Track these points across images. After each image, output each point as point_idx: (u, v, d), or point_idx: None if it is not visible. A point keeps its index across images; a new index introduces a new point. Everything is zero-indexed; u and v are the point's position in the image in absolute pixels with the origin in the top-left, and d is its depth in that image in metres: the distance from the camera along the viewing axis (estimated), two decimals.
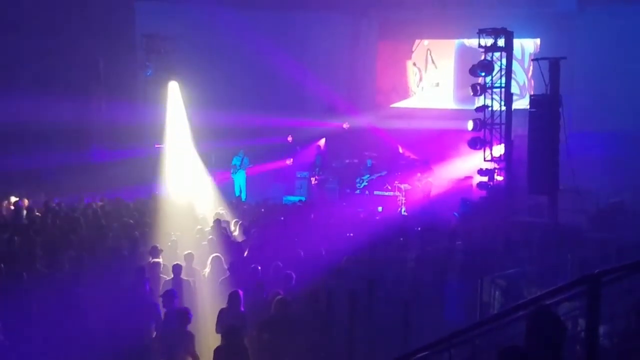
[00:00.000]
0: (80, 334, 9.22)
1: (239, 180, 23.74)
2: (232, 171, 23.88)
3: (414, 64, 26.76)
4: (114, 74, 23.79)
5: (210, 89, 23.94)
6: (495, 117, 18.66)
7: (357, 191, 23.16)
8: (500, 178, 18.51)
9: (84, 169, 22.88)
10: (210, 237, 13.43)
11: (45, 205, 16.86)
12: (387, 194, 22.65)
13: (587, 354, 4.68)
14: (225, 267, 11.42)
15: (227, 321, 9.24)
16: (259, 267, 10.86)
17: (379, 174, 23.17)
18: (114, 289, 10.08)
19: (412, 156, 24.22)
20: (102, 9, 22.55)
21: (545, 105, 16.31)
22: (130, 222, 14.54)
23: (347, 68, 26.31)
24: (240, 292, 9.56)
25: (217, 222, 14.77)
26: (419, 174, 22.04)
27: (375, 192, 22.83)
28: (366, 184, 23.22)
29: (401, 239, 13.95)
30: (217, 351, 8.64)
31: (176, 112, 24.77)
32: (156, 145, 24.30)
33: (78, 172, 22.08)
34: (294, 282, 10.24)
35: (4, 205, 17.23)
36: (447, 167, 22.61)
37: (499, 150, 18.71)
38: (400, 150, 24.23)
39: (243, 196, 23.21)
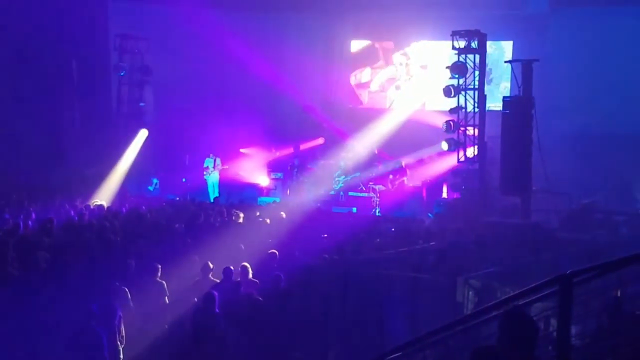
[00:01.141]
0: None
1: (213, 181, 23.67)
2: (204, 173, 23.81)
3: (389, 65, 26.79)
4: (87, 76, 23.58)
5: (183, 90, 23.88)
6: (469, 119, 18.77)
7: (332, 192, 23.17)
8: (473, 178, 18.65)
9: (58, 172, 22.72)
10: None
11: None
12: (361, 195, 22.69)
13: (558, 353, 4.71)
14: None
15: (201, 321, 9.19)
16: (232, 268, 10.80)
17: (354, 175, 23.22)
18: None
19: (387, 157, 24.29)
20: (75, 7, 22.31)
21: (518, 106, 16.45)
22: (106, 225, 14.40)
23: (322, 69, 26.25)
24: (215, 293, 9.51)
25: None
26: (391, 176, 22.10)
27: (350, 193, 22.86)
28: (342, 185, 23.26)
29: (377, 240, 13.99)
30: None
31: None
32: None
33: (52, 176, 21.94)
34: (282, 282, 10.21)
35: None
36: (422, 168, 22.71)
37: (472, 151, 18.84)
38: (375, 152, 24.25)
39: (211, 197, 23.06)
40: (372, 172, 23.29)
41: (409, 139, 23.99)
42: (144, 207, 17.91)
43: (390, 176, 22.18)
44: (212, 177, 23.75)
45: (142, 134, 25.29)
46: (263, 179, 24.92)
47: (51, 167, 22.40)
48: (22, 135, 22.08)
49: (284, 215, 16.37)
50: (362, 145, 24.64)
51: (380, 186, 22.49)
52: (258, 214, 16.94)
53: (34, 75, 21.91)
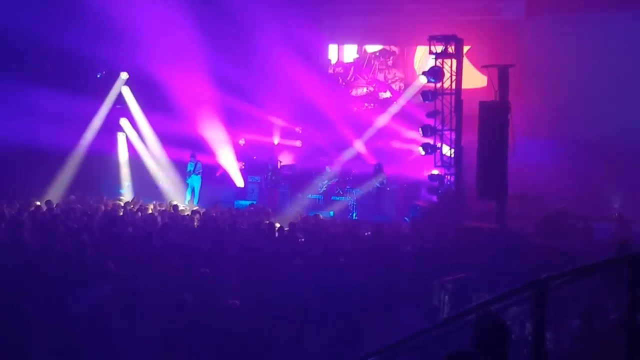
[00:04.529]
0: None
1: (194, 184, 23.61)
2: (187, 177, 23.79)
3: (368, 69, 26.84)
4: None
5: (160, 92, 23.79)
6: (445, 123, 18.85)
7: (309, 195, 23.20)
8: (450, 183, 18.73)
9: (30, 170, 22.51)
10: None
11: None
12: (342, 199, 22.77)
13: (532, 357, 4.74)
14: None
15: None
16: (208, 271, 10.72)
17: (334, 180, 23.31)
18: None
19: (367, 161, 24.40)
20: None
21: (495, 111, 16.54)
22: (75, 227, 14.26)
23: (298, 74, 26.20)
24: (190, 297, 9.45)
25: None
26: (373, 179, 22.14)
27: (333, 198, 22.93)
28: (325, 189, 23.34)
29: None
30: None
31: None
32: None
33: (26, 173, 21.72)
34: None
35: None
36: (399, 172, 22.80)
37: (448, 155, 18.90)
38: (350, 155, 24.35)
39: (195, 200, 23.08)
40: (348, 176, 23.39)
41: (387, 142, 24.13)
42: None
43: (372, 180, 22.20)
44: (193, 181, 23.68)
45: (121, 137, 25.27)
46: (239, 182, 24.92)
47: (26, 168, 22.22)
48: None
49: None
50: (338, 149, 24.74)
51: (358, 190, 22.58)
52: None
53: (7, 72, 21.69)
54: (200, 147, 24.58)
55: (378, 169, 22.30)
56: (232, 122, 25.00)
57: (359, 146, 25.19)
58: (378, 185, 21.89)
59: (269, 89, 24.93)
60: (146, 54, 22.55)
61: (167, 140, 24.47)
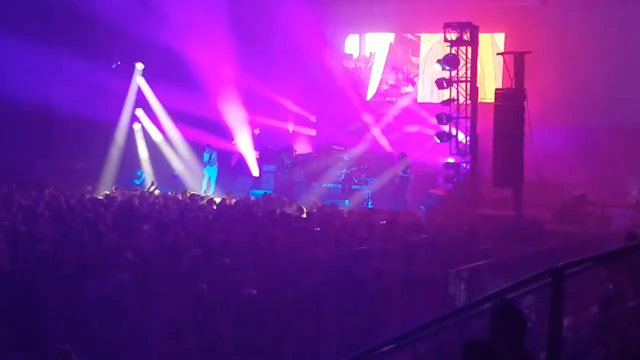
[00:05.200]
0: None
1: (210, 174, 23.68)
2: (203, 167, 23.93)
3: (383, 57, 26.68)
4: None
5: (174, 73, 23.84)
6: (461, 111, 18.75)
7: (325, 184, 23.20)
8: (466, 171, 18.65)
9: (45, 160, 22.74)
10: None
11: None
12: (359, 187, 22.74)
13: (550, 345, 4.71)
14: None
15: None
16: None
17: (352, 169, 23.23)
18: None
19: (387, 149, 24.33)
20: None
21: (510, 99, 16.46)
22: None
23: (316, 60, 26.05)
24: (204, 286, 9.46)
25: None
26: (398, 168, 21.96)
27: (353, 187, 22.91)
28: (344, 178, 23.31)
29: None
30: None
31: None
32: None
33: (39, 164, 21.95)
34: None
35: None
36: (414, 159, 22.71)
37: (464, 143, 18.81)
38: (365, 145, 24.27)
39: (211, 190, 23.15)
40: (365, 164, 23.34)
41: (403, 131, 24.09)
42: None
43: (393, 167, 22.10)
44: (210, 171, 23.75)
45: (136, 127, 25.39)
46: (254, 171, 24.95)
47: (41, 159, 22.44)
48: (13, 128, 22.08)
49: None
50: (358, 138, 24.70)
51: (374, 179, 22.54)
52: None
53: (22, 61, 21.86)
54: (219, 128, 24.59)
55: (402, 158, 22.10)
56: (251, 106, 24.93)
57: (376, 133, 25.07)
58: (402, 174, 21.72)
59: (287, 75, 24.81)
60: (174, 29, 22.60)
61: (186, 120, 24.41)
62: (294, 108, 26.15)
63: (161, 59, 24.16)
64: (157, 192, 20.35)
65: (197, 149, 24.66)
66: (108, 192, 19.57)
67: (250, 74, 24.40)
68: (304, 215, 15.75)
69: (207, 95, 24.04)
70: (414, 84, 26.09)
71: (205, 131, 24.22)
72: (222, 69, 24.08)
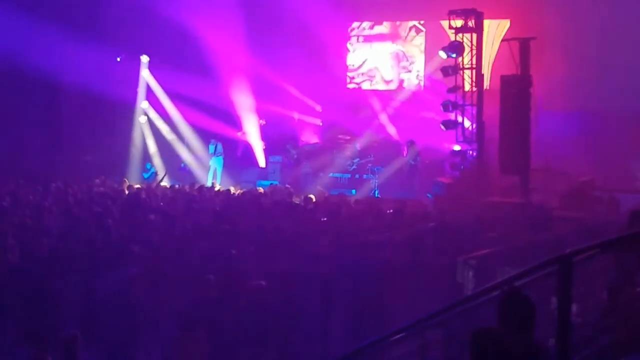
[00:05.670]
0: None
1: (216, 166, 23.72)
2: (208, 159, 24.00)
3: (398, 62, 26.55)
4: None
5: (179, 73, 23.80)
6: (466, 99, 18.71)
7: (331, 174, 23.19)
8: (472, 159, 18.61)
9: (53, 154, 22.81)
10: None
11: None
12: (366, 176, 22.73)
13: (558, 332, 4.71)
14: None
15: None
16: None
17: (368, 158, 23.14)
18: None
19: (394, 137, 24.27)
20: None
21: (516, 85, 16.41)
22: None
23: (319, 48, 25.93)
24: (212, 278, 9.50)
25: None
26: (407, 156, 21.94)
27: (365, 176, 22.90)
28: (355, 167, 23.24)
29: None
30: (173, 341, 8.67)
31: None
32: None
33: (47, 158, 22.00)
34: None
35: None
36: (420, 148, 22.67)
37: (470, 130, 18.78)
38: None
39: (218, 180, 23.18)
40: (371, 154, 23.30)
41: (408, 119, 24.01)
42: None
43: (402, 156, 22.06)
44: (215, 162, 23.77)
45: (142, 120, 25.42)
46: (261, 162, 24.95)
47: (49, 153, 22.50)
48: (20, 122, 22.17)
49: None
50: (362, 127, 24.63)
51: (380, 168, 22.51)
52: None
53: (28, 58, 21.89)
54: (227, 116, 24.59)
55: (411, 146, 22.06)
56: (259, 93, 24.83)
57: (383, 121, 24.98)
58: (412, 162, 21.69)
59: (295, 62, 24.70)
60: (184, 11, 22.60)
61: (195, 105, 24.32)
62: (300, 96, 25.99)
63: (170, 43, 24.12)
64: (164, 183, 20.40)
65: (206, 137, 24.63)
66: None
67: (260, 59, 24.26)
68: (312, 205, 15.73)
69: (216, 81, 23.94)
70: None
71: (213, 118, 24.15)
72: (232, 53, 23.96)
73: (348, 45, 26.84)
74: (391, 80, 26.43)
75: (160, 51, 24.55)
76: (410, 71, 26.13)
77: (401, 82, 26.23)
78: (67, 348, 7.70)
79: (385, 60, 26.50)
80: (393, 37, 26.40)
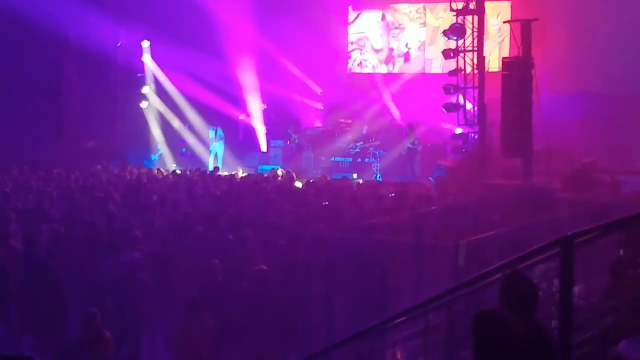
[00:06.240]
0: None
1: (217, 150, 23.71)
2: (209, 144, 23.99)
3: (387, 30, 26.40)
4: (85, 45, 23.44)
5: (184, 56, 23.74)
6: (468, 81, 18.64)
7: (333, 158, 23.18)
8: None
9: (56, 140, 22.84)
10: None
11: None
12: (368, 160, 22.71)
13: (561, 314, 4.72)
14: None
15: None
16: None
17: (371, 142, 23.09)
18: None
19: (397, 120, 24.20)
20: None
21: (518, 67, 16.36)
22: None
23: (319, 34, 25.82)
24: (217, 262, 9.51)
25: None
26: (406, 140, 21.91)
27: (367, 160, 22.87)
28: (358, 150, 23.20)
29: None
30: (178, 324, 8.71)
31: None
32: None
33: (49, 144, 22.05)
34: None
35: None
36: (422, 131, 22.64)
37: (472, 113, 18.73)
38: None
39: (220, 164, 23.14)
40: (372, 137, 23.23)
41: (409, 103, 23.94)
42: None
43: (402, 140, 22.03)
44: (216, 147, 23.76)
45: (144, 105, 25.37)
46: (262, 146, 24.92)
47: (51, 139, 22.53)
48: (22, 108, 22.18)
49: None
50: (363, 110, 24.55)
51: (382, 151, 22.50)
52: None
53: (30, 45, 21.87)
54: (231, 96, 24.55)
55: (410, 130, 22.03)
56: (263, 72, 24.76)
57: (387, 102, 24.88)
58: (410, 145, 21.68)
59: (298, 42, 24.59)
60: None
61: (199, 81, 24.20)
62: (302, 76, 25.76)
63: (175, 18, 24.05)
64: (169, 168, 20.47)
65: (209, 118, 24.62)
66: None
67: (264, 34, 24.14)
68: (314, 190, 15.74)
69: (221, 58, 23.84)
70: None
71: (216, 96, 24.11)
72: (237, 28, 23.82)
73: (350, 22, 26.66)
74: (381, 49, 26.19)
75: (164, 26, 24.29)
76: (399, 40, 25.96)
77: (391, 50, 26.06)
78: (86, 325, 7.90)
79: (374, 29, 26.27)
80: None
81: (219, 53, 23.66)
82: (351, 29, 26.54)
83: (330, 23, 25.94)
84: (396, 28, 25.91)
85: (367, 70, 26.35)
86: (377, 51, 26.22)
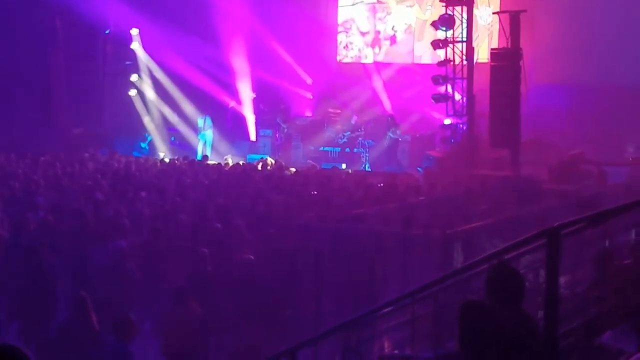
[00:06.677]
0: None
1: (206, 139, 23.65)
2: (197, 133, 23.93)
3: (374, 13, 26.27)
4: (71, 33, 23.31)
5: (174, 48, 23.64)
6: (457, 72, 18.66)
7: (322, 148, 23.18)
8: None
9: (43, 128, 22.74)
10: None
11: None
12: (356, 150, 22.71)
13: (546, 305, 4.75)
14: None
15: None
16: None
17: (359, 132, 23.07)
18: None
19: (387, 110, 24.17)
20: None
21: (506, 58, 16.40)
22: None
23: (308, 24, 25.71)
24: (206, 251, 9.52)
25: None
26: (387, 131, 21.94)
27: (355, 150, 22.87)
28: (346, 140, 23.20)
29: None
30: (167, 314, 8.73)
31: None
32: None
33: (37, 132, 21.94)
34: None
35: None
36: (411, 122, 22.68)
37: (460, 104, 18.76)
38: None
39: (208, 153, 23.10)
40: (361, 127, 23.23)
41: (398, 93, 23.92)
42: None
43: (385, 131, 22.05)
44: (205, 136, 23.71)
45: (132, 93, 25.24)
46: (252, 135, 24.87)
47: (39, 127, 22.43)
48: (9, 96, 22.07)
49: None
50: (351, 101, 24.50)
51: (370, 141, 22.51)
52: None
53: (17, 33, 21.73)
54: (222, 80, 24.47)
55: (391, 121, 22.08)
56: (254, 56, 24.66)
57: (377, 88, 24.80)
58: (392, 136, 21.72)
59: (289, 30, 24.52)
60: None
61: (192, 66, 24.05)
62: (293, 64, 25.63)
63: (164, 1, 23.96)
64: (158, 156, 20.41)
65: (199, 105, 24.52)
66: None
67: (256, 19, 24.06)
68: (303, 179, 15.75)
69: (214, 42, 23.75)
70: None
71: (207, 79, 24.01)
72: (230, 12, 23.75)
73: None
74: (367, 32, 26.00)
75: (154, 9, 24.06)
76: (385, 23, 25.86)
77: (377, 33, 26.00)
78: (77, 309, 7.98)
79: (360, 12, 26.16)
80: None
81: (210, 36, 23.49)
82: (341, 11, 26.42)
83: (320, 4, 25.83)
84: (383, 11, 25.81)
85: (353, 53, 26.21)
86: (363, 34, 25.99)
